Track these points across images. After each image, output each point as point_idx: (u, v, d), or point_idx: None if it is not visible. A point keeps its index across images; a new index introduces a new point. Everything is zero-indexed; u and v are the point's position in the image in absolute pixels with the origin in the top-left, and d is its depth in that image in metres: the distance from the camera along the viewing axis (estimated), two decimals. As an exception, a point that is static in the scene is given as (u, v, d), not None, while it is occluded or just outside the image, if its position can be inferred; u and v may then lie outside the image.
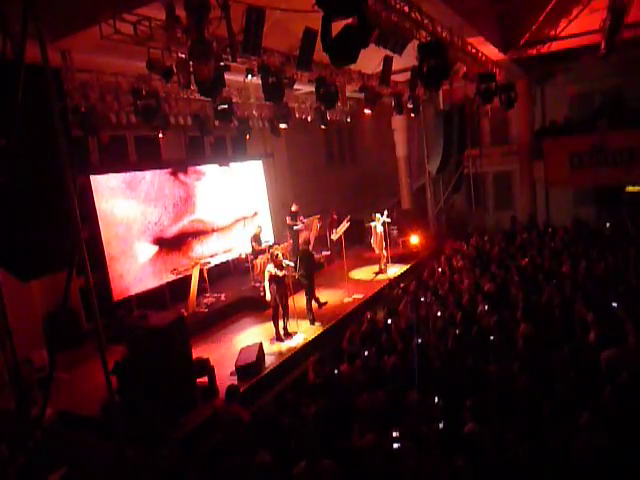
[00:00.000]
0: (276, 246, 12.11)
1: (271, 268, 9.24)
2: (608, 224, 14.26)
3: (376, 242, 13.30)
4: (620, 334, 6.26)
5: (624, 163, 15.21)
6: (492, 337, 7.03)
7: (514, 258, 11.62)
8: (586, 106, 17.01)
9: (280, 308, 9.36)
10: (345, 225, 12.60)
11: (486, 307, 8.33)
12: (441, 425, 4.65)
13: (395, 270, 13.48)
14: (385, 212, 13.32)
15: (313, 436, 5.06)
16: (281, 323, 9.48)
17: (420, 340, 7.34)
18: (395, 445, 4.40)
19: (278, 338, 9.42)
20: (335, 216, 14.74)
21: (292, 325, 9.73)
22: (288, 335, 9.52)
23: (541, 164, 16.74)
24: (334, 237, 12.90)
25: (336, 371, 6.92)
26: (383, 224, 13.27)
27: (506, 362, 6.06)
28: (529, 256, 11.40)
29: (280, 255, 9.50)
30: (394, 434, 4.53)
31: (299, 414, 5.78)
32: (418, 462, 4.27)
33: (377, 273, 13.55)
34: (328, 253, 14.68)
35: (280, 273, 9.26)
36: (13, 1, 3.49)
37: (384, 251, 13.47)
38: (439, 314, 8.58)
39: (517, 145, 17.58)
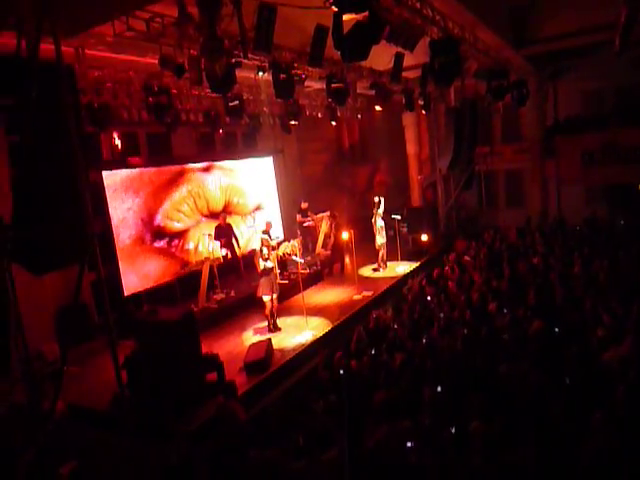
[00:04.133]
0: (286, 243, 12.14)
1: (260, 262, 9.41)
2: (622, 222, 14.11)
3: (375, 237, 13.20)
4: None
5: (636, 161, 15.04)
6: (503, 336, 6.99)
7: (526, 256, 11.53)
8: (599, 103, 16.82)
9: (271, 301, 9.52)
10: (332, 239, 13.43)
11: (496, 305, 8.29)
12: (453, 430, 4.61)
13: (405, 268, 13.43)
14: (381, 201, 13.13)
15: (322, 432, 5.06)
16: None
17: (429, 339, 7.33)
18: (408, 444, 4.39)
19: (270, 330, 9.64)
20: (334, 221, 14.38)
21: (301, 322, 9.76)
22: (277, 329, 9.67)
23: (553, 162, 16.60)
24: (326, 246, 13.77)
25: (341, 371, 6.91)
26: (388, 218, 13.23)
27: (517, 361, 6.02)
28: (540, 254, 11.31)
29: (265, 250, 9.60)
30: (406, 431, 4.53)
31: (309, 410, 5.78)
32: (428, 460, 4.26)
33: (375, 270, 13.47)
34: (328, 252, 14.46)
35: (269, 265, 9.45)
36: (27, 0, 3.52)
37: (383, 247, 13.31)
38: (449, 312, 8.55)
39: (529, 142, 17.42)
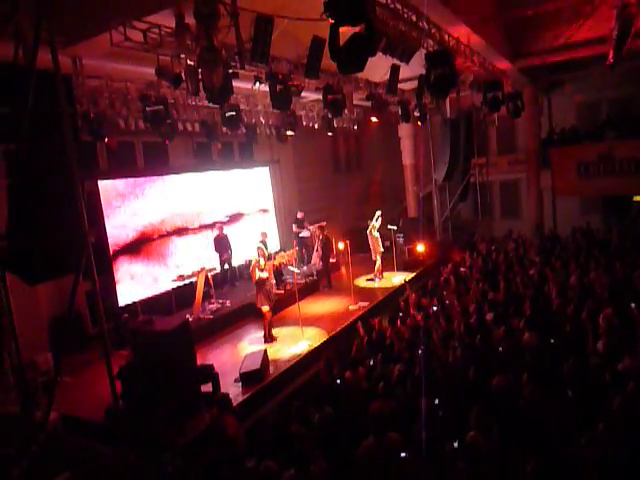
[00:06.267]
0: (282, 252, 12.14)
1: (256, 272, 9.39)
2: (615, 233, 14.16)
3: (372, 247, 13.27)
4: (629, 343, 6.20)
5: (631, 173, 15.16)
6: (499, 347, 6.97)
7: (522, 267, 11.55)
8: (593, 115, 16.99)
9: (267, 310, 9.50)
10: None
11: (492, 316, 8.28)
12: (456, 444, 4.55)
13: (401, 278, 13.43)
14: (378, 214, 13.21)
15: (319, 443, 5.01)
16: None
17: (425, 349, 7.30)
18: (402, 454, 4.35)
19: (266, 340, 9.59)
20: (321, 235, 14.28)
21: (297, 332, 9.73)
22: (272, 338, 9.64)
23: (548, 173, 16.70)
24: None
25: (338, 381, 6.88)
26: (386, 229, 13.26)
27: (512, 372, 6.00)
28: (537, 265, 11.32)
29: (262, 260, 9.57)
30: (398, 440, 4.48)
31: (306, 421, 5.73)
32: (421, 469, 4.23)
33: (370, 280, 13.47)
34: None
35: (264, 275, 9.45)
36: (26, 9, 3.54)
37: (378, 258, 13.36)
38: (444, 323, 8.53)
39: (524, 154, 17.54)
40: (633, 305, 7.36)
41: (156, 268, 11.49)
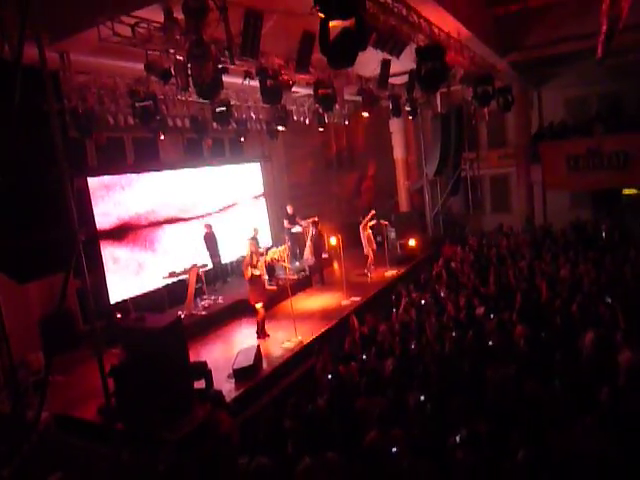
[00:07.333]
0: (274, 248, 12.13)
1: (248, 269, 9.36)
2: (604, 226, 14.29)
3: (364, 243, 13.31)
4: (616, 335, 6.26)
5: (620, 167, 15.27)
6: (490, 339, 7.02)
7: (513, 260, 11.63)
8: (583, 110, 17.08)
9: (263, 307, 9.48)
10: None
11: (484, 309, 8.33)
12: (458, 438, 4.57)
13: (393, 273, 13.46)
14: (371, 214, 13.30)
15: (313, 437, 5.03)
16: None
17: (417, 344, 7.34)
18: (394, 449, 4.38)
19: (259, 336, 9.59)
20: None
21: (290, 328, 9.73)
22: (265, 335, 9.61)
23: (538, 167, 16.78)
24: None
25: (330, 376, 6.89)
26: (372, 226, 13.29)
27: (503, 365, 6.04)
28: (527, 259, 11.41)
29: (253, 256, 9.49)
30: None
31: (299, 416, 5.75)
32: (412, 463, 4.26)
33: (363, 274, 13.46)
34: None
35: (256, 272, 9.41)
36: (11, 3, 3.49)
37: (370, 253, 13.38)
38: (436, 317, 8.57)
39: (514, 148, 17.62)
40: (609, 300, 7.46)
41: (142, 255, 11.42)
